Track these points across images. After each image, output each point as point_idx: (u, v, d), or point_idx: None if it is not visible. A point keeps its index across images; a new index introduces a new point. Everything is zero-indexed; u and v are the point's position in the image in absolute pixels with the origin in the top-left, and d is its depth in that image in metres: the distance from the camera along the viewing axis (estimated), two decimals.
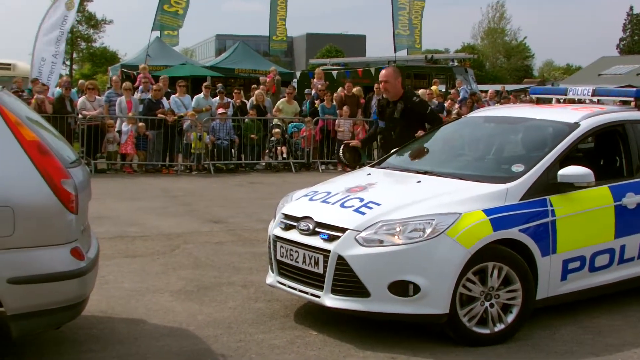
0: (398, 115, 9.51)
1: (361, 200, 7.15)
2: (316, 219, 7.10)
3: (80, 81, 26.71)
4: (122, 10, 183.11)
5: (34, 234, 5.58)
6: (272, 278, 7.62)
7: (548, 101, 10.59)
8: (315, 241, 6.94)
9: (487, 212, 6.79)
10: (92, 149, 19.58)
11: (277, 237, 7.45)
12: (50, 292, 5.65)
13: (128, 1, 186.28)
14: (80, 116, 19.76)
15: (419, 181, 7.59)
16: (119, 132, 20.07)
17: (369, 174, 8.18)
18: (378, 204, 7.01)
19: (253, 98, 22.16)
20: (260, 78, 26.97)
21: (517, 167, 7.38)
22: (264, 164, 21.98)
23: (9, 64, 30.29)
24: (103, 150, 20.23)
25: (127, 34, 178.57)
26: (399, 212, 6.83)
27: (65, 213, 5.65)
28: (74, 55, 68.00)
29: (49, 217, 5.63)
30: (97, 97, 20.84)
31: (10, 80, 25.62)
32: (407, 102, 9.42)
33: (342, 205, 7.17)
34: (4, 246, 5.46)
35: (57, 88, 21.94)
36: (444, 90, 28.59)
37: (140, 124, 19.95)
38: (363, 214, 6.91)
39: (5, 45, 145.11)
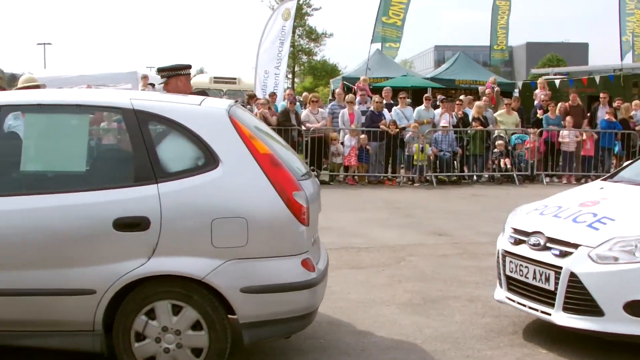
0: None
1: (594, 215, 6.87)
2: (547, 234, 6.88)
3: (304, 94, 27.29)
4: (341, 23, 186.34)
5: (266, 244, 5.72)
6: (500, 293, 7.45)
7: None
8: (546, 257, 6.72)
9: None
10: (315, 161, 19.90)
11: (506, 251, 7.27)
12: (281, 302, 5.77)
13: (347, 14, 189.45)
14: (304, 128, 20.19)
15: None
16: (342, 144, 20.34)
17: (602, 188, 7.87)
18: (612, 220, 6.72)
19: (474, 110, 21.87)
20: (480, 89, 26.67)
21: None
22: (487, 176, 21.65)
23: (235, 79, 31.45)
24: (326, 162, 20.56)
25: (347, 46, 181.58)
26: (635, 228, 6.51)
27: (296, 225, 5.75)
28: (296, 68, 69.55)
29: (281, 228, 5.74)
30: (320, 109, 21.24)
31: (236, 94, 26.56)
32: None
33: (574, 220, 6.92)
34: (238, 256, 5.63)
35: (282, 101, 22.49)
36: None
37: (362, 135, 20.15)
38: (597, 229, 6.63)
39: (231, 59, 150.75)
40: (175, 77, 8.56)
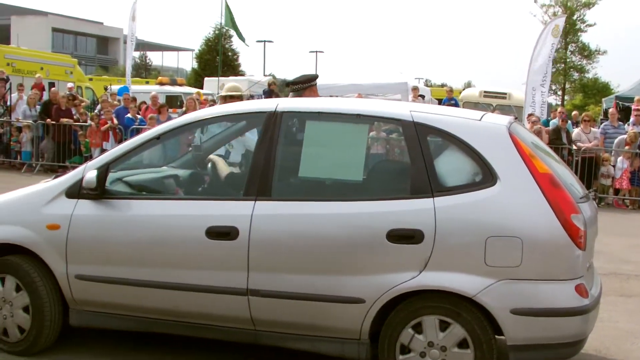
0: None
1: None
2: None
3: (574, 112, 26.61)
4: (615, 40, 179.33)
5: (539, 266, 5.57)
6: None
7: None
8: None
9: None
10: (584, 182, 19.29)
11: None
12: (551, 327, 5.60)
13: (622, 31, 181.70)
14: (574, 148, 19.68)
15: None
16: (614, 166, 19.66)
17: None
18: None
19: None
20: None
21: None
22: None
23: (505, 93, 31.23)
24: (595, 183, 19.92)
25: (620, 64, 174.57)
26: None
27: (572, 248, 5.56)
28: (566, 85, 67.77)
29: (556, 251, 5.57)
30: (593, 129, 20.66)
31: (505, 109, 26.27)
32: None
33: None
34: (511, 276, 5.53)
35: (554, 119, 22.04)
36: None
37: (637, 158, 19.39)
38: None
39: (502, 73, 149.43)
40: (308, 88, 8.90)
